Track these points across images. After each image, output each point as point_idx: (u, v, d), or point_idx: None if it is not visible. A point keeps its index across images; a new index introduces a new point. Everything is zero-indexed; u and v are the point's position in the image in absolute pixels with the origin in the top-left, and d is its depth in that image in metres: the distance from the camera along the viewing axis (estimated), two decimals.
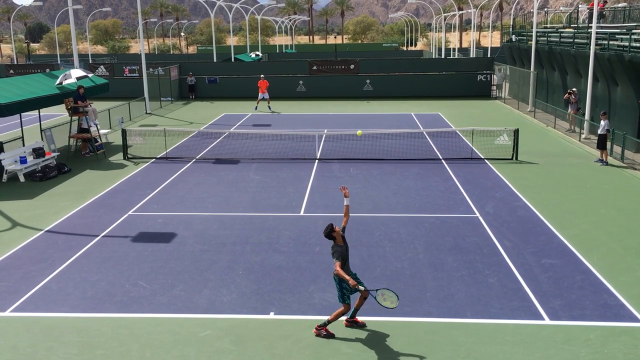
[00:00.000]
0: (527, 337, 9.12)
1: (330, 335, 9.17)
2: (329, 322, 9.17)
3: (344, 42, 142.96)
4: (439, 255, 12.38)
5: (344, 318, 9.46)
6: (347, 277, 8.67)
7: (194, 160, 21.78)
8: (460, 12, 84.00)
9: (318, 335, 9.17)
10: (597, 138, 21.15)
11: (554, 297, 10.39)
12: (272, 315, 9.89)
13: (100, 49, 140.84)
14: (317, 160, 21.41)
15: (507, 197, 16.55)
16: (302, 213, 15.37)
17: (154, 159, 21.93)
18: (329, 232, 8.93)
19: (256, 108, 35.30)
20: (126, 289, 10.98)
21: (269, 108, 35.33)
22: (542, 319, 9.67)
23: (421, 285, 10.94)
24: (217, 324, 9.63)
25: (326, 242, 13.00)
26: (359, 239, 13.33)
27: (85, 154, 22.96)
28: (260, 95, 35.27)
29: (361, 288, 8.73)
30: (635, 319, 9.62)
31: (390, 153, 22.09)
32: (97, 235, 13.84)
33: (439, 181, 18.34)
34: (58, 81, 22.09)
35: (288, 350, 8.84)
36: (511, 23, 52.19)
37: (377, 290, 8.82)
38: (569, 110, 26.97)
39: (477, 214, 15.06)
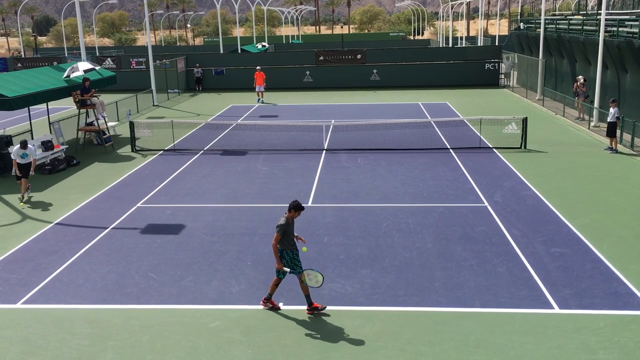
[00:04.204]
0: (536, 326, 9.10)
1: (316, 309, 9.54)
2: (307, 297, 9.52)
3: (351, 32, 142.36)
4: (447, 245, 12.36)
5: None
6: (277, 256, 9.30)
7: (201, 152, 21.81)
8: (468, 0, 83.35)
9: (311, 314, 9.53)
10: (606, 126, 21.00)
11: (564, 286, 10.36)
12: (281, 306, 9.92)
13: (107, 41, 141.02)
14: (324, 151, 21.38)
15: (515, 186, 16.48)
16: (310, 204, 15.37)
17: (161, 151, 21.98)
18: (294, 206, 9.32)
19: (258, 100, 35.03)
20: (136, 280, 11.04)
21: (262, 101, 34.72)
22: (552, 307, 9.65)
23: (430, 275, 10.93)
24: (227, 315, 9.67)
25: (333, 233, 13.04)
26: (367, 230, 13.33)
27: (99, 142, 23.07)
28: (257, 88, 34.84)
29: (286, 269, 9.33)
30: None
31: (398, 143, 22.03)
32: (107, 228, 13.91)
33: (447, 171, 18.28)
34: (66, 74, 22.14)
35: (297, 341, 8.87)
36: (519, 11, 51.82)
37: (302, 270, 9.38)
38: (576, 97, 26.76)
39: (486, 203, 15.02)
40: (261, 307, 9.87)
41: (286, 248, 9.34)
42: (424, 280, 10.73)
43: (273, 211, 14.81)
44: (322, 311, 9.59)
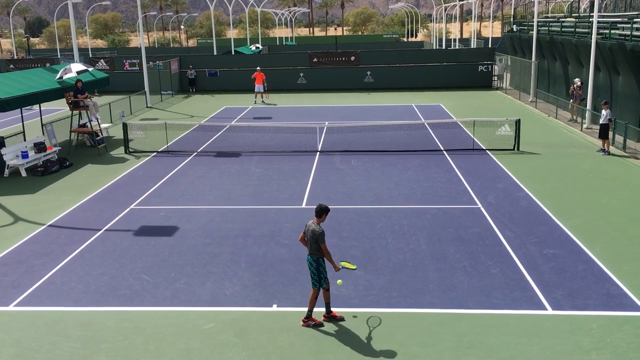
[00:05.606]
0: (530, 327, 9.13)
1: (319, 324, 9.27)
2: (310, 311, 9.27)
3: (344, 33, 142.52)
4: (441, 246, 12.38)
5: (319, 311, 9.47)
6: (334, 263, 9.08)
7: (195, 153, 21.77)
8: (461, 2, 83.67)
9: (307, 326, 9.27)
10: (598, 128, 21.10)
11: (557, 287, 10.39)
12: (275, 308, 9.91)
13: (100, 43, 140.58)
14: (318, 153, 21.39)
15: (508, 188, 16.53)
16: (304, 205, 15.37)
17: (155, 153, 21.93)
18: (325, 209, 9.09)
19: (255, 102, 35.27)
20: (129, 282, 11.00)
21: (263, 101, 35.25)
22: (545, 309, 9.68)
23: (424, 277, 10.95)
24: (221, 317, 9.65)
25: (327, 235, 12.94)
26: (361, 231, 13.33)
27: (92, 144, 22.99)
28: (256, 88, 35.27)
29: (341, 265, 9.27)
30: (638, 308, 9.63)
31: (391, 144, 22.06)
32: (100, 229, 13.86)
33: (440, 172, 18.32)
34: (58, 75, 22.06)
35: (291, 342, 8.86)
36: (512, 13, 52.03)
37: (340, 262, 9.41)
38: (571, 100, 26.86)
39: (479, 205, 15.06)
40: (256, 309, 9.86)
41: (321, 257, 9.08)
42: (417, 282, 10.75)
43: (267, 213, 14.80)
44: (340, 321, 9.39)
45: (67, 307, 10.11)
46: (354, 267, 9.44)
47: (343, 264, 9.41)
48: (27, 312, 9.98)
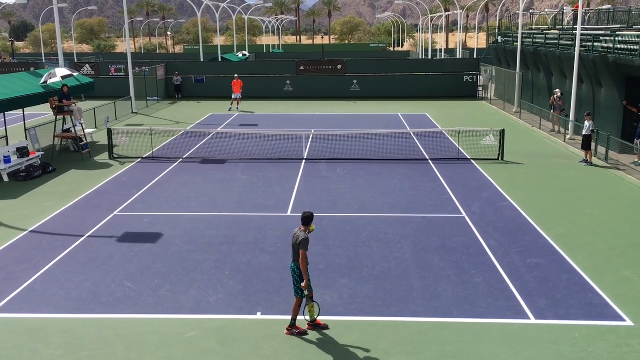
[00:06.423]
0: (513, 336, 9.17)
1: (303, 332, 9.26)
2: (294, 319, 9.26)
3: (331, 42, 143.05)
4: (425, 255, 12.42)
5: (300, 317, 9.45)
6: (306, 275, 8.99)
7: (180, 160, 21.67)
8: (447, 13, 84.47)
9: (291, 334, 9.24)
10: (581, 139, 21.33)
11: (540, 297, 10.46)
12: (259, 316, 9.87)
13: (85, 48, 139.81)
14: (304, 161, 21.39)
15: (493, 197, 16.64)
16: (289, 213, 15.34)
17: (140, 159, 21.79)
18: (311, 216, 9.17)
19: (230, 109, 35.16)
20: (112, 289, 10.89)
21: (237, 108, 35.21)
22: (528, 318, 9.73)
23: (408, 285, 10.96)
24: (204, 325, 9.58)
25: (313, 243, 12.91)
26: (346, 239, 13.33)
27: (76, 149, 22.78)
28: (234, 95, 35.26)
29: (306, 292, 9.08)
30: (619, 318, 9.72)
31: (377, 153, 22.13)
32: (82, 236, 13.71)
33: (425, 181, 18.40)
34: (43, 80, 21.88)
35: (275, 351, 8.82)
36: (497, 24, 52.57)
37: (313, 302, 9.28)
38: (552, 110, 27.17)
39: (464, 214, 15.13)
40: (240, 317, 9.80)
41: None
42: (402, 290, 10.76)
43: (252, 220, 14.75)
44: (324, 330, 9.38)
45: (48, 314, 9.98)
46: (310, 316, 9.26)
47: (309, 308, 9.24)
48: (6, 319, 9.83)
